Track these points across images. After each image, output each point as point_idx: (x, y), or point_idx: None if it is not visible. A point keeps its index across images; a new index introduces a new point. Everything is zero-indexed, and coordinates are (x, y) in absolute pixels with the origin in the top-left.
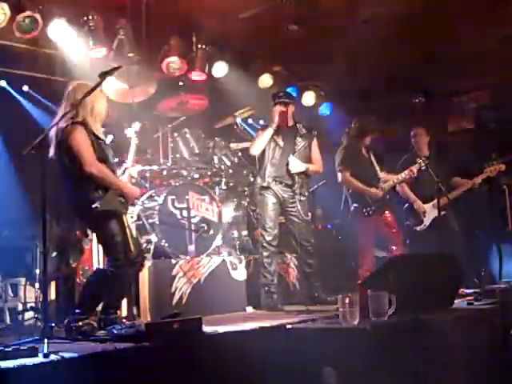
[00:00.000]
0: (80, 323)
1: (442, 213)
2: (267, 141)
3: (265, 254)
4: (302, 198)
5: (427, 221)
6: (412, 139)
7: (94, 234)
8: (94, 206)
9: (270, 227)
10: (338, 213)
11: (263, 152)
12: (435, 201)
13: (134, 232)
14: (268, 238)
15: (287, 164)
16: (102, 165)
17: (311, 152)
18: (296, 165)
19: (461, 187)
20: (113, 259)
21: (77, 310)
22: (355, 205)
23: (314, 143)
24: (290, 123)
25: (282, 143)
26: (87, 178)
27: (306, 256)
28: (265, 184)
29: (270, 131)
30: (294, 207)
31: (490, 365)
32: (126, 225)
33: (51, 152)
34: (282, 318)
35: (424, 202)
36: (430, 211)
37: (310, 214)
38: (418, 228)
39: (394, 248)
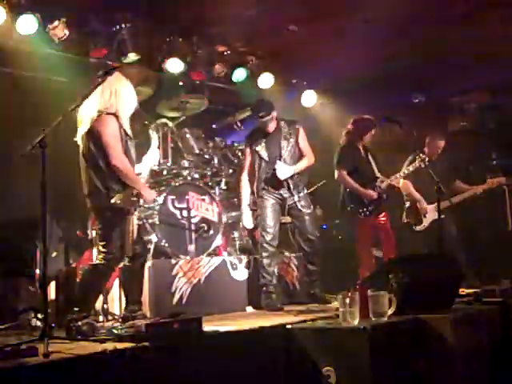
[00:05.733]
0: (80, 323)
1: (442, 216)
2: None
3: (264, 254)
4: (301, 194)
5: (427, 222)
6: (426, 144)
7: (97, 223)
8: (112, 201)
9: (269, 227)
10: (338, 213)
11: (252, 170)
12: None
13: (135, 235)
14: (268, 238)
15: (275, 170)
16: (127, 160)
17: (299, 147)
18: (284, 171)
19: (462, 194)
20: (106, 252)
21: (75, 309)
22: (352, 205)
23: (301, 136)
24: (273, 129)
25: (266, 157)
26: (110, 169)
27: (310, 252)
28: (261, 194)
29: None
30: (293, 203)
31: (491, 365)
32: (130, 226)
33: (77, 137)
34: (281, 318)
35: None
36: (430, 213)
37: (312, 207)
38: (417, 228)
39: (383, 251)
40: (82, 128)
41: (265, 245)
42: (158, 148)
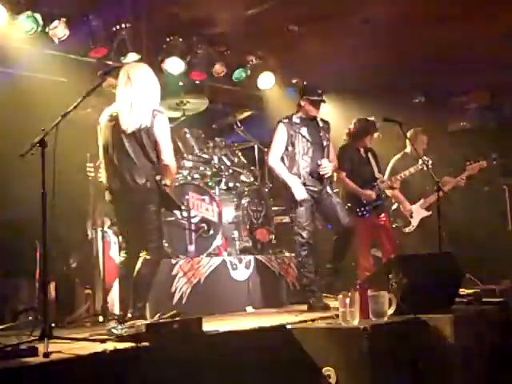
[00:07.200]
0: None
1: (429, 213)
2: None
3: (303, 253)
4: (335, 190)
5: (415, 221)
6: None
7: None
8: (182, 206)
9: (306, 224)
10: None
11: (292, 148)
12: (422, 201)
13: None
14: (305, 236)
15: (318, 162)
16: None
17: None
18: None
19: (446, 186)
20: (153, 244)
21: (138, 305)
22: (349, 205)
23: (331, 136)
24: (316, 114)
25: (309, 138)
26: (162, 166)
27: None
28: (301, 181)
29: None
30: (325, 193)
31: (490, 365)
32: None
33: (131, 129)
34: (282, 318)
35: (411, 203)
36: (417, 212)
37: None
38: (407, 229)
39: (382, 251)
40: (132, 124)
41: (304, 243)
42: None
